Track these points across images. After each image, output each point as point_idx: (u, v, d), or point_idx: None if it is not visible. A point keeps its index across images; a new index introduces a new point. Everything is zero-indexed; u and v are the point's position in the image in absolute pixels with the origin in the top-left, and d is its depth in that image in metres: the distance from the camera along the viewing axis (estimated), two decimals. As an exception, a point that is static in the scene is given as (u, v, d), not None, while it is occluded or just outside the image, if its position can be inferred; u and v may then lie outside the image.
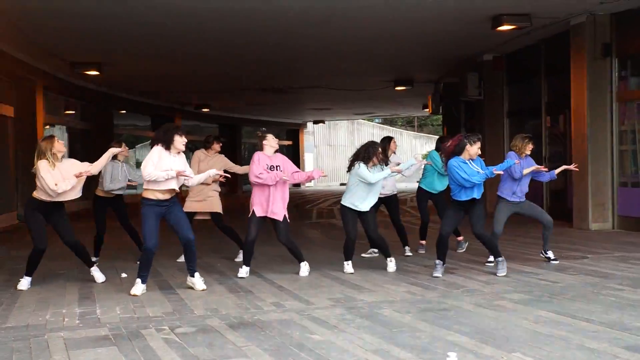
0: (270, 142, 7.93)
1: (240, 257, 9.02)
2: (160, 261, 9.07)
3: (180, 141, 6.89)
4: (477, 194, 7.53)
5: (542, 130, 14.44)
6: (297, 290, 6.98)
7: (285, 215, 7.84)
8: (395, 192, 9.34)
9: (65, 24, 11.78)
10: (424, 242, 9.72)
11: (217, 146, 9.40)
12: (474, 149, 7.55)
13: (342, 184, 37.14)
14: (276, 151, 7.99)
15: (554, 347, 4.73)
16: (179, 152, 6.97)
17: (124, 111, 24.21)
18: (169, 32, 12.66)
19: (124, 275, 8.10)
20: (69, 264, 8.84)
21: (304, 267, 7.98)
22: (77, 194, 7.38)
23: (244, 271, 7.88)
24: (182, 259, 9.09)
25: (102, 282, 7.59)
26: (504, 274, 7.59)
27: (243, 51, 14.82)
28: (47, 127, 18.03)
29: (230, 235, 9.33)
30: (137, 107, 24.34)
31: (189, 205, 9.08)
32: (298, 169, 8.03)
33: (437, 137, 11.65)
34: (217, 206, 9.21)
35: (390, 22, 12.23)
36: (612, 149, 12.06)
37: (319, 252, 9.95)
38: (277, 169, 7.78)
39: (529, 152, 8.30)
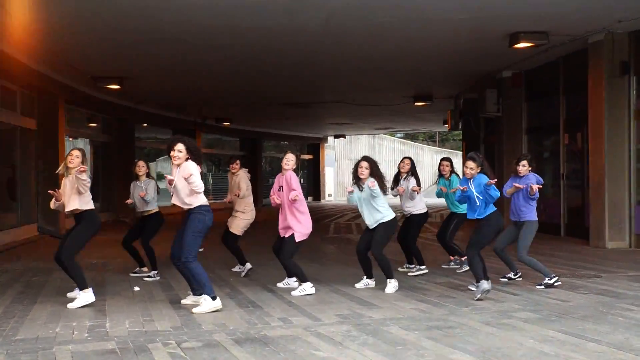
0: (283, 161, 8.06)
1: (236, 268, 9.41)
2: (174, 275, 9.16)
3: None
4: (475, 214, 7.60)
5: (560, 147, 14.37)
6: (306, 306, 7.01)
7: (291, 235, 7.78)
8: (415, 212, 9.19)
9: (87, 39, 11.98)
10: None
11: (234, 165, 9.69)
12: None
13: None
14: (296, 169, 8.12)
15: (556, 367, 4.71)
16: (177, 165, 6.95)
17: (146, 124, 24.47)
18: (190, 47, 12.82)
19: (136, 288, 8.19)
20: (86, 275, 8.92)
21: (304, 286, 7.81)
22: (69, 207, 7.38)
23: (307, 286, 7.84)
24: (236, 268, 9.51)
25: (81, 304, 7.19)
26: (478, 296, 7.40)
27: (265, 67, 14.96)
28: (71, 139, 18.30)
29: (234, 253, 9.48)
30: (158, 120, 24.61)
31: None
32: (294, 189, 7.85)
33: (458, 152, 11.65)
34: (234, 227, 9.36)
35: (410, 39, 12.29)
36: (629, 167, 11.97)
37: (332, 267, 9.98)
38: (281, 190, 7.91)
39: (522, 171, 8.19)
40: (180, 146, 6.83)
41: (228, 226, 9.49)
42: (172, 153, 6.86)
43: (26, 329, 6.12)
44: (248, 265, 9.33)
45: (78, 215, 7.38)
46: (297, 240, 7.82)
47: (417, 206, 9.17)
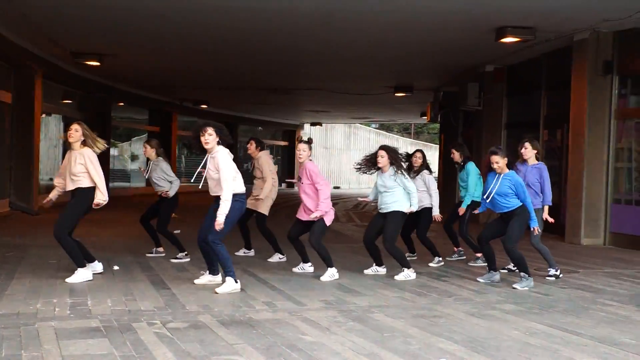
0: (296, 154, 8.06)
1: (274, 258, 9.19)
2: (154, 257, 9.08)
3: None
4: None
5: (539, 144, 14.46)
6: (290, 291, 6.98)
7: (313, 217, 7.78)
8: (427, 205, 9.06)
9: (68, 12, 11.74)
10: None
11: (249, 146, 9.45)
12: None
13: (335, 187, 37.16)
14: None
15: (544, 358, 4.75)
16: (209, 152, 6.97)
17: (122, 103, 24.17)
18: (173, 27, 12.64)
19: (116, 267, 8.09)
20: (61, 253, 8.80)
21: (331, 271, 7.83)
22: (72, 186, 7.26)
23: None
24: (241, 252, 9.48)
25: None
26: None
27: (246, 50, 14.82)
28: (44, 115, 17.98)
29: (268, 239, 9.31)
30: (135, 100, 24.32)
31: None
32: (317, 182, 7.82)
33: (432, 144, 11.58)
34: (262, 207, 9.20)
35: (396, 28, 12.26)
36: (607, 166, 12.10)
37: (311, 253, 9.92)
38: (299, 181, 7.93)
39: (525, 154, 8.21)
40: (210, 130, 6.83)
41: (254, 209, 9.18)
42: (202, 139, 6.84)
43: (5, 304, 6.00)
44: (251, 252, 9.39)
45: (74, 190, 7.23)
46: (327, 224, 7.84)
47: (429, 200, 9.08)
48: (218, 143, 6.89)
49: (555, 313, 6.29)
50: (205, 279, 7.27)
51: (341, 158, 41.09)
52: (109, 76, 19.93)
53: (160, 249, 9.22)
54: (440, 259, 9.18)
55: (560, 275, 8.20)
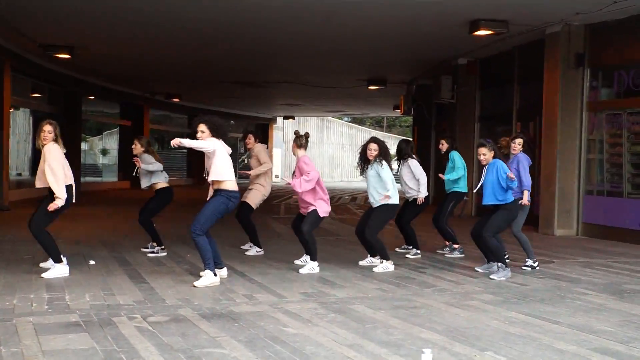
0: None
1: (251, 251, 9.12)
2: (130, 251, 9.00)
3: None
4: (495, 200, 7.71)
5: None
6: (269, 284, 6.97)
7: (309, 211, 7.83)
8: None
9: (37, 4, 11.56)
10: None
11: (247, 140, 9.45)
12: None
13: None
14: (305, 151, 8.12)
15: (524, 347, 4.80)
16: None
17: (93, 97, 23.88)
18: (144, 19, 12.50)
19: (92, 262, 8.00)
20: (36, 248, 8.68)
21: (311, 265, 7.82)
22: (41, 184, 7.16)
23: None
24: (246, 246, 9.38)
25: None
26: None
27: (219, 42, 14.72)
28: (12, 109, 17.69)
29: (248, 230, 9.25)
30: (106, 93, 24.04)
31: None
32: (303, 174, 7.85)
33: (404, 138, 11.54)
34: (250, 198, 9.16)
35: (370, 21, 12.27)
36: (580, 158, 12.26)
37: (287, 246, 9.92)
38: (293, 174, 7.97)
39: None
40: (202, 126, 6.88)
41: (243, 199, 9.13)
42: (197, 135, 6.92)
43: (-19, 300, 5.91)
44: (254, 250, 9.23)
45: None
46: (321, 216, 7.86)
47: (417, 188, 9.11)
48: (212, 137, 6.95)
49: (533, 302, 6.36)
50: (207, 280, 7.05)
51: (314, 151, 41.08)
52: (79, 69, 19.67)
53: (159, 248, 8.94)
54: (418, 252, 9.22)
55: (537, 267, 8.29)
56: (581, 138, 12.25)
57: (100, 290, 6.41)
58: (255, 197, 9.16)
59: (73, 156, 20.87)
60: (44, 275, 7.05)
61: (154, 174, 8.79)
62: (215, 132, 6.93)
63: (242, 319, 5.43)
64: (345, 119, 45.25)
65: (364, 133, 44.73)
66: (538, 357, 4.57)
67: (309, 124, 41.50)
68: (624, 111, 11.58)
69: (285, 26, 12.95)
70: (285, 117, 37.09)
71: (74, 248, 9.08)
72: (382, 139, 8.48)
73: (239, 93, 24.82)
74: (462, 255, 9.28)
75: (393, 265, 8.03)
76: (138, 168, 8.75)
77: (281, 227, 12.96)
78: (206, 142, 6.85)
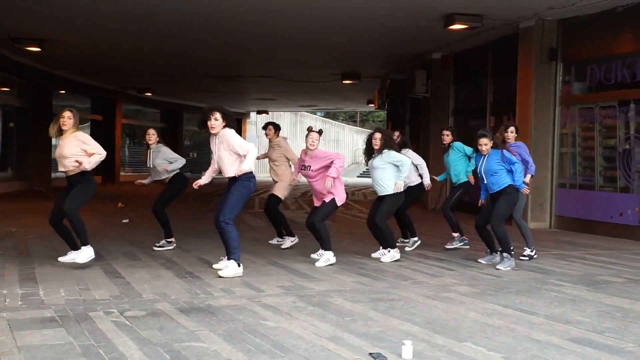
0: (308, 142, 8.05)
1: (286, 243, 9.21)
2: (104, 246, 8.89)
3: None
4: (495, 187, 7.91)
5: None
6: (247, 278, 6.93)
7: (323, 201, 7.91)
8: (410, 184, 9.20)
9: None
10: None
11: (267, 132, 9.47)
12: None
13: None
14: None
15: (503, 338, 4.83)
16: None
17: (64, 91, 23.56)
18: (116, 10, 12.33)
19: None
20: (8, 243, 8.57)
21: (326, 256, 7.89)
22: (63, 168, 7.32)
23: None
24: (274, 241, 9.44)
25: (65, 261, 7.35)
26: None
27: (191, 35, 14.58)
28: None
29: (277, 221, 9.34)
30: (77, 87, 23.74)
31: None
32: (330, 165, 7.87)
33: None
34: (278, 189, 9.30)
35: (344, 15, 12.25)
36: (552, 151, 12.39)
37: (264, 240, 9.89)
38: (308, 169, 7.96)
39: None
40: (217, 115, 6.86)
41: (272, 191, 9.34)
42: (209, 123, 6.87)
43: (-47, 296, 5.79)
44: (289, 241, 9.19)
45: (72, 177, 7.24)
46: (338, 205, 7.94)
47: (411, 178, 9.18)
48: (224, 127, 6.94)
49: (509, 294, 6.41)
50: (224, 264, 7.17)
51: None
52: (50, 62, 19.40)
53: (171, 240, 8.88)
54: (417, 239, 9.28)
55: (535, 256, 8.43)
56: (554, 132, 12.38)
57: (75, 285, 6.33)
58: (282, 189, 9.27)
59: (43, 151, 20.72)
60: (77, 260, 7.21)
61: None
62: (230, 121, 6.94)
63: (221, 312, 5.39)
64: (319, 113, 45.24)
65: (337, 127, 44.80)
66: (516, 347, 4.60)
67: (282, 118, 41.39)
68: (596, 105, 11.71)
69: (259, 18, 12.85)
70: (259, 112, 36.99)
71: (45, 243, 8.95)
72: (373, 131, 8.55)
73: (213, 87, 24.68)
74: (467, 247, 9.37)
75: (399, 254, 8.18)
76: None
77: (256, 222, 12.92)
78: (249, 147, 6.86)
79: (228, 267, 6.93)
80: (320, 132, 8.17)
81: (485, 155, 7.93)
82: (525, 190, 8.22)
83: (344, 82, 20.95)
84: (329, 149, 43.06)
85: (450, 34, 13.23)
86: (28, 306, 5.48)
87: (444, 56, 16.05)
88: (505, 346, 4.61)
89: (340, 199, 7.96)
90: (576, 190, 12.12)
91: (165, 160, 8.68)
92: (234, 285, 6.54)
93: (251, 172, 6.99)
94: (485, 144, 7.91)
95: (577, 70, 12.32)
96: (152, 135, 8.84)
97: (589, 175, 11.93)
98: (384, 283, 6.86)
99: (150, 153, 8.82)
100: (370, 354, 4.34)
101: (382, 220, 8.14)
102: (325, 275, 7.23)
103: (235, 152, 6.89)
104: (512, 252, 8.06)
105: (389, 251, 8.20)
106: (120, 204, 13.02)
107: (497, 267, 7.79)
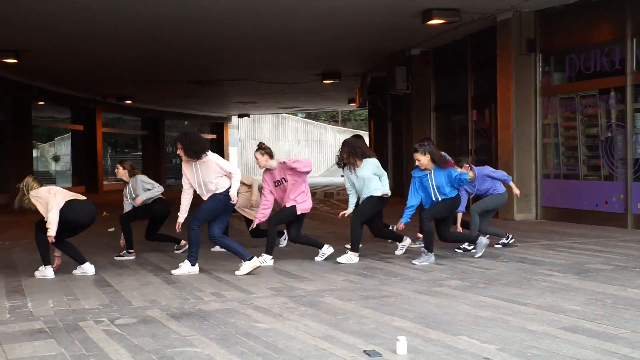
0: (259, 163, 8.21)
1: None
2: (90, 255, 8.78)
3: None
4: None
5: (468, 124, 14.76)
6: (236, 281, 6.89)
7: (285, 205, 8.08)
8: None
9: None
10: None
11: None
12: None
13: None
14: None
15: (496, 329, 4.82)
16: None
17: (42, 102, 23.34)
18: (93, 18, 12.22)
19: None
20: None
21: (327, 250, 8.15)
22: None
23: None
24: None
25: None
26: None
27: (170, 40, 14.48)
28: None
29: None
30: (56, 98, 23.53)
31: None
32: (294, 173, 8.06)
33: (359, 131, 11.62)
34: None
35: (322, 13, 12.23)
36: (535, 142, 12.44)
37: (248, 243, 9.82)
38: (284, 182, 8.02)
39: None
40: (178, 144, 7.21)
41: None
42: (178, 152, 7.32)
43: (-61, 312, 5.70)
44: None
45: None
46: (297, 213, 7.99)
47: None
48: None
49: (499, 286, 6.42)
50: (246, 268, 7.21)
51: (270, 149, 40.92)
52: (27, 74, 19.20)
53: (183, 243, 8.88)
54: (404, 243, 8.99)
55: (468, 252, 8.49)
56: (536, 123, 12.45)
57: (63, 296, 6.25)
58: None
59: (24, 164, 20.53)
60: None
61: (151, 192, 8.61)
62: (185, 148, 7.17)
63: (212, 316, 5.35)
64: (300, 114, 45.22)
65: (319, 128, 44.81)
66: (510, 338, 4.59)
67: (264, 121, 41.38)
68: (577, 94, 11.78)
69: (234, 20, 12.75)
70: (240, 115, 36.86)
71: (31, 255, 8.83)
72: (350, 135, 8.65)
73: (192, 92, 24.55)
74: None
75: (358, 259, 8.03)
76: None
77: (243, 225, 12.84)
78: (238, 178, 7.29)
79: (182, 267, 7.30)
80: (259, 146, 8.28)
81: (429, 172, 7.77)
82: (515, 190, 8.46)
83: (324, 82, 20.93)
84: (312, 150, 43.09)
85: (428, 30, 13.25)
86: (17, 319, 5.41)
87: (423, 52, 16.07)
88: (499, 338, 4.61)
89: (302, 208, 7.98)
90: (561, 181, 12.19)
91: (147, 190, 8.56)
92: (223, 289, 6.50)
93: (227, 190, 7.22)
94: (418, 159, 7.72)
95: (556, 61, 12.39)
96: (120, 170, 8.70)
97: (572, 164, 12.00)
98: (375, 280, 6.84)
99: (129, 187, 8.66)
100: (365, 351, 4.32)
101: (355, 221, 8.14)
102: (315, 275, 7.21)
103: (221, 172, 7.24)
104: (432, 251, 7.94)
105: (347, 252, 8.09)
106: (105, 213, 12.91)
107: (413, 262, 7.75)
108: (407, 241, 8.69)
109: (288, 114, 41.46)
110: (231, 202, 7.23)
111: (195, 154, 7.17)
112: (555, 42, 12.16)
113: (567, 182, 12.03)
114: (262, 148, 8.15)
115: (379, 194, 8.16)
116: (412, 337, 4.63)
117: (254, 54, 16.75)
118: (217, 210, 7.26)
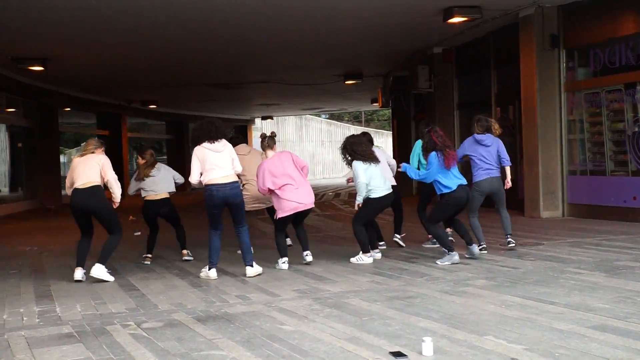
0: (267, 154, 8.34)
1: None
2: (118, 260, 8.87)
3: None
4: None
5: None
6: (261, 283, 6.91)
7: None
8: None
9: (6, 15, 11.38)
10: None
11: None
12: None
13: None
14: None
15: (523, 329, 4.78)
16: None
17: (69, 108, 23.61)
18: (118, 25, 12.37)
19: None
20: (21, 263, 8.58)
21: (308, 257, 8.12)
22: None
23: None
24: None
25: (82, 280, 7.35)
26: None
27: (192, 45, 14.59)
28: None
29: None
30: (82, 104, 23.77)
31: None
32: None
33: (383, 131, 11.55)
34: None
35: (343, 15, 12.22)
36: (561, 139, 12.31)
37: (272, 244, 9.84)
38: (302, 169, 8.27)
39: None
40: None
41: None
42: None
43: (-30, 317, 5.79)
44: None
45: None
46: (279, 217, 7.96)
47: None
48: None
49: (526, 285, 6.36)
50: (252, 271, 7.33)
51: (294, 150, 40.98)
52: (53, 81, 19.44)
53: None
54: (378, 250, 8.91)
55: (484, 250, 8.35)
56: (561, 119, 12.31)
57: (90, 300, 6.32)
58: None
59: (52, 170, 20.78)
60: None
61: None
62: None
63: (237, 319, 5.37)
64: (323, 115, 45.21)
65: (343, 129, 44.73)
66: (538, 338, 4.55)
67: (287, 123, 41.44)
68: (602, 89, 11.63)
69: (258, 24, 12.83)
70: (264, 118, 36.97)
71: (59, 260, 8.96)
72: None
73: (216, 95, 24.68)
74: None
75: (370, 259, 8.03)
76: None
77: (268, 227, 12.88)
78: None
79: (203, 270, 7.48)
80: (272, 134, 8.52)
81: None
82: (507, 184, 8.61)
83: (346, 82, 20.90)
84: (336, 151, 43.02)
85: (450, 28, 13.17)
86: (45, 323, 5.48)
87: (445, 50, 15.98)
88: (526, 337, 4.56)
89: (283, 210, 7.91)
90: (587, 177, 12.04)
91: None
92: (248, 291, 6.52)
93: (208, 185, 7.26)
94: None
95: (580, 56, 12.24)
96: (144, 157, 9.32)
97: (599, 160, 11.84)
98: (400, 281, 6.82)
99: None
100: (391, 352, 4.30)
101: (355, 222, 8.13)
102: (340, 276, 7.20)
103: None
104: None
105: (359, 254, 8.11)
106: (131, 216, 13.00)
107: (437, 261, 7.74)
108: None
109: (311, 115, 41.49)
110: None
111: None
112: (579, 36, 12.01)
113: (593, 178, 11.88)
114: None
115: (360, 200, 8.09)
116: (438, 337, 4.61)
117: (277, 57, 16.79)
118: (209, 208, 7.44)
